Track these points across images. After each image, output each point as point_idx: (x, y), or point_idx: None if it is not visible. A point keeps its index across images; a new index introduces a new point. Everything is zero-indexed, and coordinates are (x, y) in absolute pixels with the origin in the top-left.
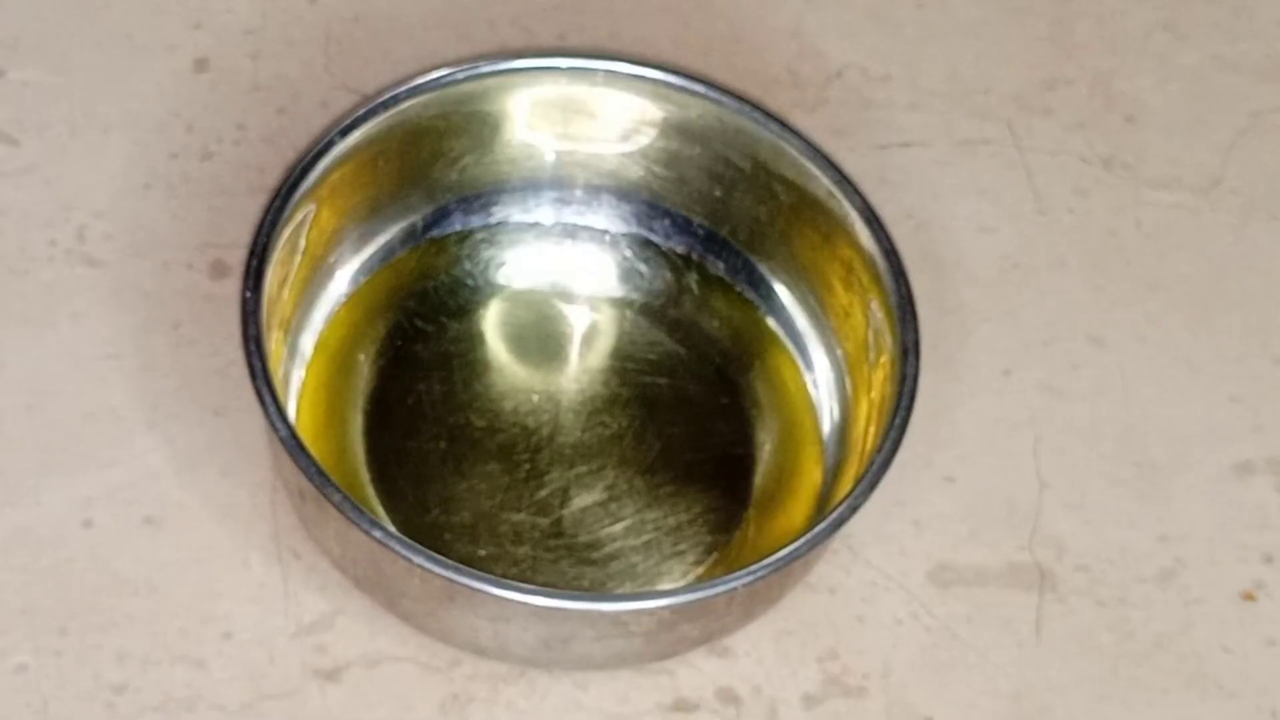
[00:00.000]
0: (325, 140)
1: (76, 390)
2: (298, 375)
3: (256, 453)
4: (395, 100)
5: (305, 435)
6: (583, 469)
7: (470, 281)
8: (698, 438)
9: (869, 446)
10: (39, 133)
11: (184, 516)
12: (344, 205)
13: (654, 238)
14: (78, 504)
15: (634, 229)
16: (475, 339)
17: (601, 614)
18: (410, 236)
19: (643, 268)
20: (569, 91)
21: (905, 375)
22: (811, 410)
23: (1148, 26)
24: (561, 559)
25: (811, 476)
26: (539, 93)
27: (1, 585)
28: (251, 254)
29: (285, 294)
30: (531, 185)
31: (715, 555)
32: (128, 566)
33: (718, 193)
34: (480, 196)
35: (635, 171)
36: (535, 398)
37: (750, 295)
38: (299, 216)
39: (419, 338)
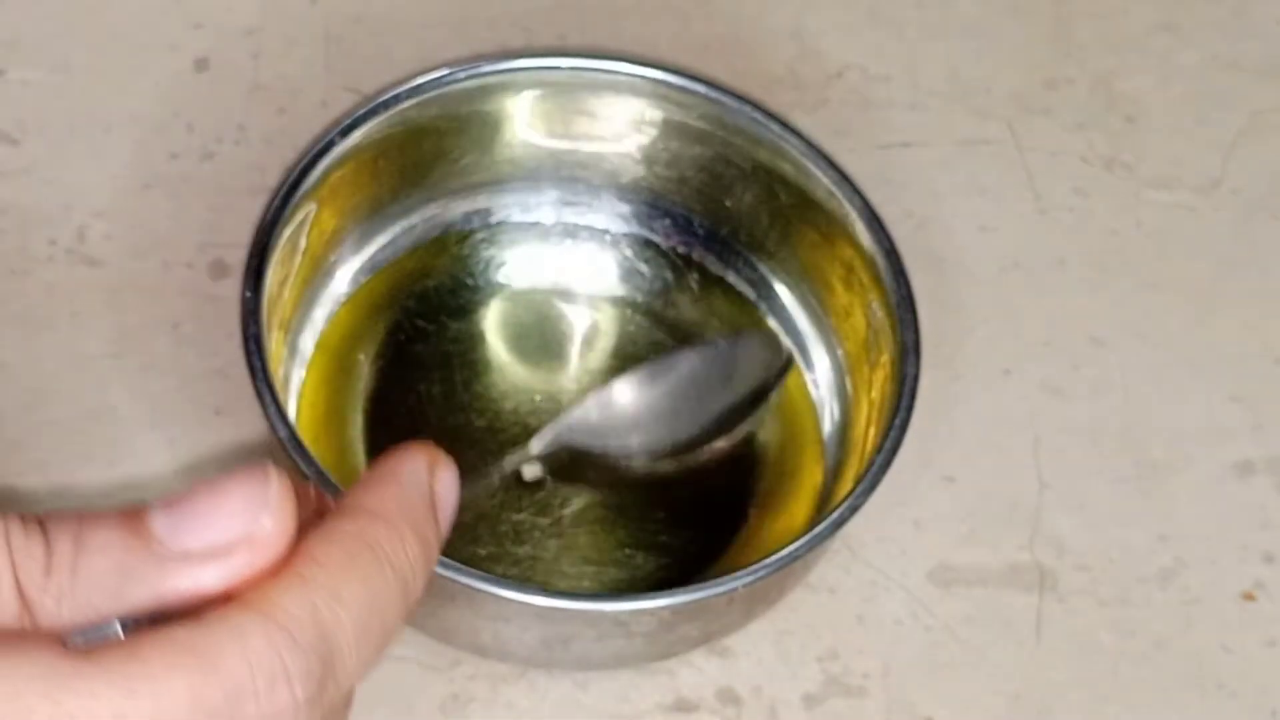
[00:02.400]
0: (325, 140)
1: (76, 390)
2: (298, 375)
3: (257, 453)
4: (395, 100)
5: (305, 435)
6: None
7: (470, 281)
8: None
9: (869, 446)
10: (39, 133)
11: None
12: (344, 205)
13: (654, 237)
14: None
15: (634, 229)
16: (476, 339)
17: (603, 614)
18: (410, 236)
19: (643, 268)
20: (569, 91)
21: (905, 375)
22: (812, 410)
23: (1148, 26)
24: (563, 559)
25: (812, 476)
26: (539, 93)
27: None
28: (251, 254)
29: (285, 294)
30: (532, 185)
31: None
32: None
33: (718, 193)
34: (480, 196)
35: (635, 171)
36: (536, 398)
37: (751, 295)
38: (299, 216)
39: (419, 337)
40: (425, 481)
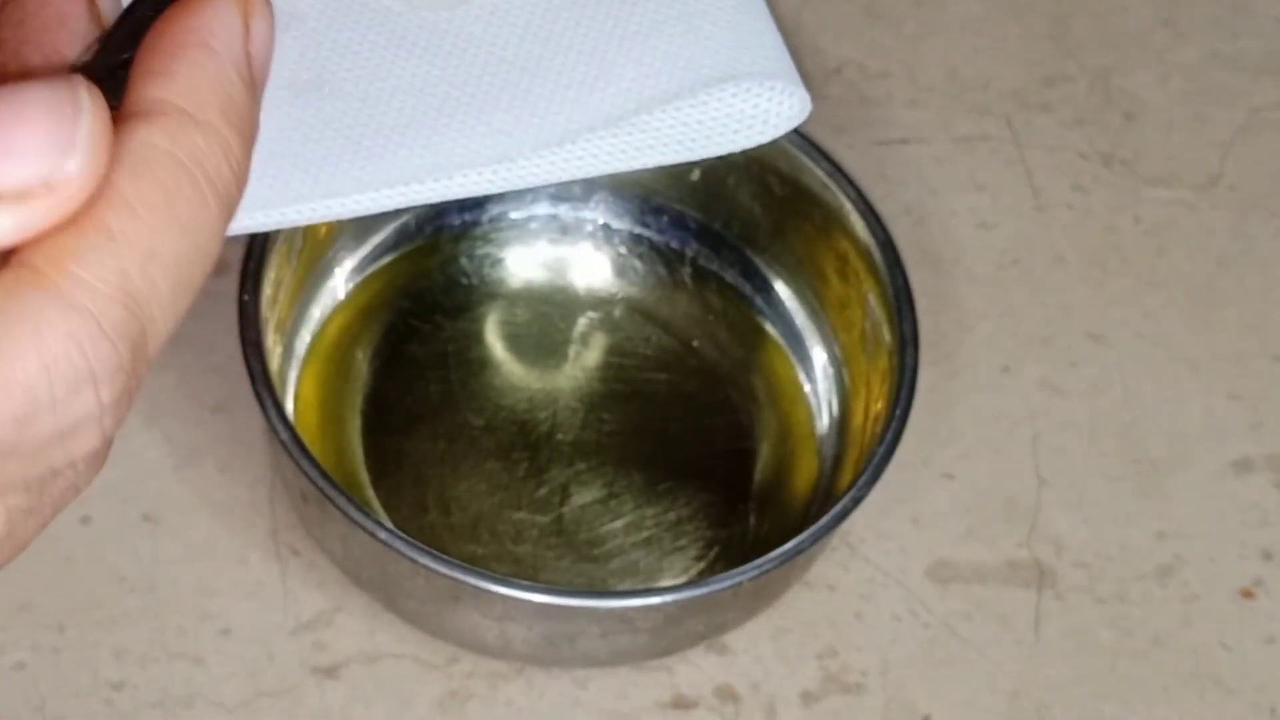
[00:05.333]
0: None
1: None
2: (295, 376)
3: (255, 450)
4: None
5: (304, 435)
6: (582, 466)
7: (466, 280)
8: (696, 433)
9: (868, 439)
10: None
11: (182, 513)
12: None
13: (648, 233)
14: (76, 501)
15: (628, 224)
16: (472, 337)
17: (608, 610)
18: (405, 235)
19: (638, 263)
20: None
21: (904, 366)
22: (809, 404)
23: (1147, 23)
24: (563, 557)
25: (810, 470)
26: None
27: (0, 582)
28: (249, 256)
29: (282, 294)
30: None
31: (716, 550)
32: (126, 564)
33: (712, 187)
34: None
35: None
36: (533, 395)
37: (746, 289)
38: None
39: (416, 337)
40: (240, 41)
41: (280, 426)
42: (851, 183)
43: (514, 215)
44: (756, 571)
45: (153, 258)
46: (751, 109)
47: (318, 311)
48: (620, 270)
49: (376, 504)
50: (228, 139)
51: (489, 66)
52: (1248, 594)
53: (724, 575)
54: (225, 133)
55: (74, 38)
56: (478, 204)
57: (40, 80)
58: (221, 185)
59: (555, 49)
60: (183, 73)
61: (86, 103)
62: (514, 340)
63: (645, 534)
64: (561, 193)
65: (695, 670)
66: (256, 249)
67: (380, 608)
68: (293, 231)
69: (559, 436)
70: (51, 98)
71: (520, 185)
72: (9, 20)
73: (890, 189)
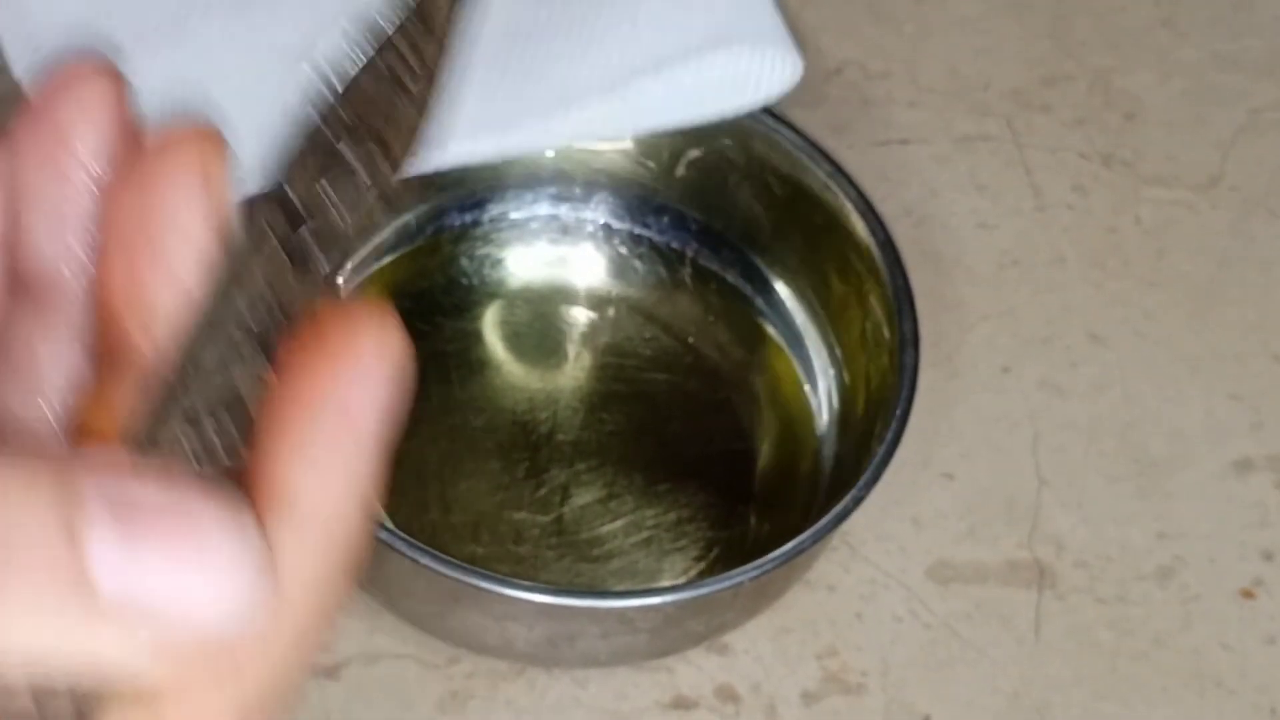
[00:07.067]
0: None
1: None
2: None
3: None
4: None
5: None
6: (582, 466)
7: (466, 280)
8: (696, 433)
9: (869, 439)
10: None
11: None
12: None
13: (649, 233)
14: None
15: (629, 225)
16: (472, 337)
17: (609, 611)
18: (405, 235)
19: (638, 264)
20: None
21: (905, 367)
22: (810, 404)
23: (1147, 23)
24: (563, 557)
25: (811, 470)
26: None
27: None
28: None
29: None
30: (527, 182)
31: (716, 551)
32: None
33: (712, 187)
34: (475, 193)
35: (630, 167)
36: (533, 396)
37: (746, 289)
38: None
39: (416, 337)
40: (376, 424)
41: None
42: (852, 183)
43: (514, 215)
44: (757, 572)
45: (269, 690)
46: (743, 73)
47: None
48: (621, 270)
49: (377, 504)
50: (353, 545)
51: (490, 36)
52: (1248, 594)
53: (724, 575)
54: (352, 538)
55: (188, 247)
56: (478, 204)
57: (208, 498)
58: (339, 597)
59: (549, 14)
60: (323, 467)
61: (256, 538)
62: (514, 340)
63: (645, 534)
64: (562, 193)
65: (695, 670)
66: None
67: (380, 608)
68: None
69: (559, 436)
70: (225, 523)
71: (509, 157)
72: (121, 215)
73: (891, 189)
